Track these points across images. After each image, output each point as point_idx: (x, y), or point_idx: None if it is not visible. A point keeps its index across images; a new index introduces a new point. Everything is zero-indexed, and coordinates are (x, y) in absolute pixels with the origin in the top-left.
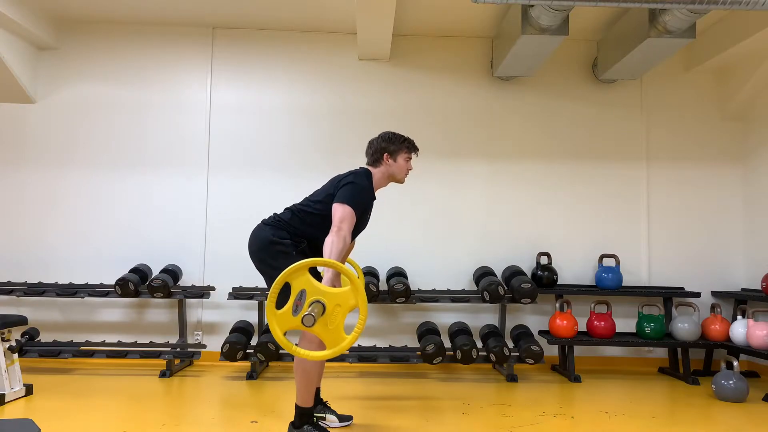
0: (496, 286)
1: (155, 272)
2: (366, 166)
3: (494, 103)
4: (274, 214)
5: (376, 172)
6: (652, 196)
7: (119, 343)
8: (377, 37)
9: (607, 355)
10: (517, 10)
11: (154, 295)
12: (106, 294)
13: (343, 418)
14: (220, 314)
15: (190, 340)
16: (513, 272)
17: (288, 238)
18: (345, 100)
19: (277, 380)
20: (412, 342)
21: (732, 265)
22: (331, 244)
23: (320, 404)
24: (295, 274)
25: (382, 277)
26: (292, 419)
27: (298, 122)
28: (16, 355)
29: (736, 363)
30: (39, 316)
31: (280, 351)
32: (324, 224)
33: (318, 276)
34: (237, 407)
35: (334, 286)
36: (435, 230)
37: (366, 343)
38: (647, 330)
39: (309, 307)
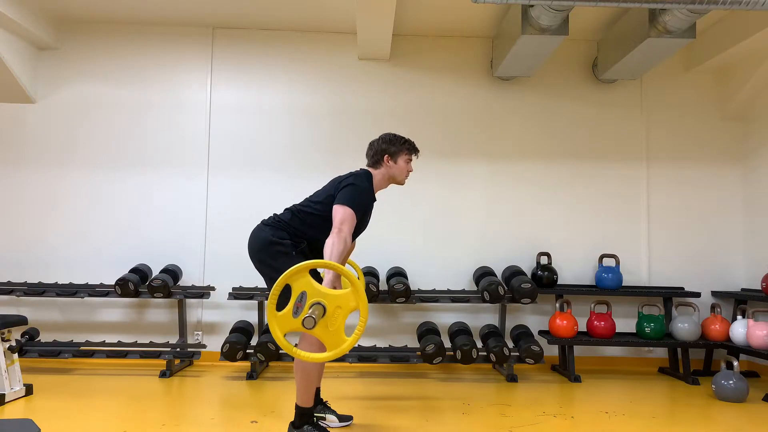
0: (496, 286)
1: (155, 272)
2: (366, 168)
3: (494, 103)
4: (274, 214)
5: (377, 174)
6: (652, 196)
7: (119, 343)
8: (377, 37)
9: (607, 355)
10: (517, 10)
11: (154, 295)
12: (106, 294)
13: (343, 418)
14: (220, 314)
15: (190, 340)
16: (513, 272)
17: (288, 239)
18: (345, 100)
19: (277, 380)
20: (412, 342)
21: (732, 265)
22: (331, 245)
23: (320, 404)
24: (296, 275)
25: (382, 277)
26: (292, 419)
27: (298, 122)
28: (16, 355)
29: (736, 363)
30: (39, 316)
31: (280, 351)
32: (324, 225)
33: (319, 277)
34: (237, 407)
35: (335, 288)
36: (435, 230)
37: (366, 343)
38: (647, 330)
39: (310, 309)
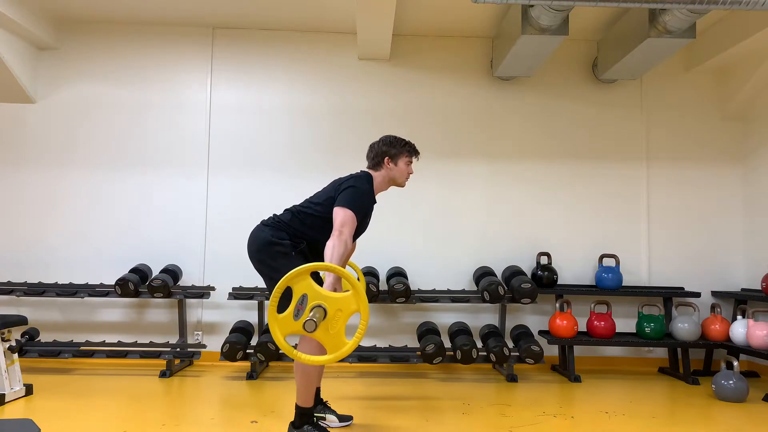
0: (496, 286)
1: (155, 272)
2: (367, 170)
3: (494, 103)
4: (274, 215)
5: (377, 176)
6: (652, 196)
7: (119, 343)
8: (377, 37)
9: (607, 355)
10: (517, 10)
11: (154, 295)
12: (106, 294)
13: (343, 418)
14: (220, 314)
15: (190, 340)
16: (513, 272)
17: (287, 239)
18: (345, 100)
19: (277, 380)
20: (412, 342)
21: (732, 265)
22: (332, 248)
23: (320, 404)
24: (297, 278)
25: (382, 277)
26: (292, 419)
27: (298, 122)
28: (16, 355)
29: (736, 363)
30: (39, 316)
31: (280, 351)
32: (324, 227)
33: (319, 280)
34: (237, 407)
35: (336, 290)
36: (435, 230)
37: (366, 343)
38: (647, 330)
39: (311, 312)
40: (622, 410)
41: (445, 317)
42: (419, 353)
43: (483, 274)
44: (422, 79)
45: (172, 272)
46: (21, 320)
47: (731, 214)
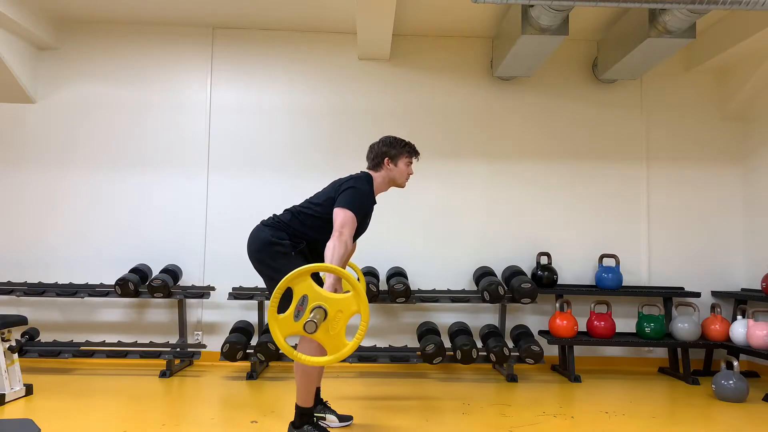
0: (496, 286)
1: (155, 272)
2: (367, 171)
3: (494, 103)
4: (273, 215)
5: (377, 177)
6: (652, 196)
7: (119, 343)
8: (377, 37)
9: (607, 355)
10: (517, 10)
11: (154, 295)
12: (106, 294)
13: (343, 418)
14: (220, 314)
15: (190, 340)
16: (513, 272)
17: (287, 239)
18: (345, 100)
19: (277, 380)
20: (412, 342)
21: (732, 265)
22: (332, 249)
23: (320, 404)
24: (297, 279)
25: (382, 277)
26: (292, 419)
27: (298, 122)
28: (16, 355)
29: (736, 363)
30: (39, 316)
31: (280, 351)
32: (324, 227)
33: (320, 280)
34: (237, 407)
35: (336, 291)
36: (435, 230)
37: (366, 343)
38: (647, 330)
39: (311, 313)
40: (622, 410)
41: (445, 317)
42: (419, 353)
43: (483, 274)
44: (422, 79)
45: (172, 272)
46: (21, 320)
47: (731, 214)
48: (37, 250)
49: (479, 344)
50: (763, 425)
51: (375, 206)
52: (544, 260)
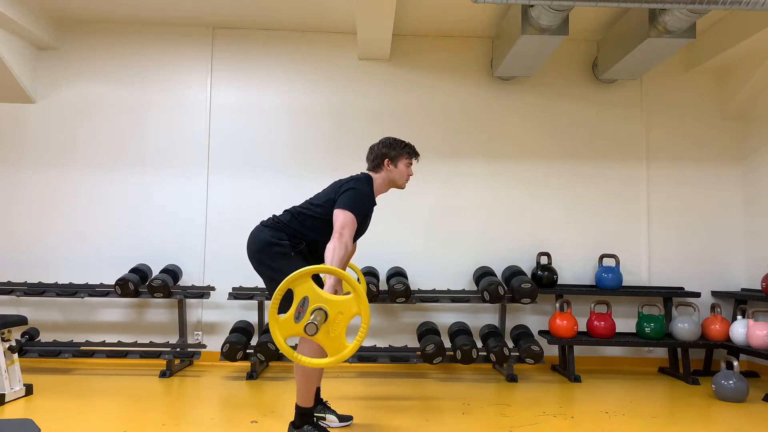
0: (496, 286)
1: (155, 272)
2: (367, 172)
3: (494, 103)
4: (273, 215)
5: (377, 178)
6: (652, 196)
7: (119, 343)
8: (377, 37)
9: (607, 355)
10: (517, 10)
11: (154, 295)
12: (106, 294)
13: (343, 418)
14: (220, 314)
15: (190, 340)
16: (513, 272)
17: (286, 240)
18: (345, 100)
19: (277, 380)
20: (412, 342)
21: (732, 265)
22: (333, 250)
23: (320, 404)
24: (298, 281)
25: (382, 277)
26: (292, 419)
27: (298, 122)
28: (16, 355)
29: (736, 363)
30: (39, 316)
31: (280, 351)
32: (324, 228)
33: (320, 281)
34: (237, 407)
35: (336, 293)
36: (435, 230)
37: (366, 343)
38: (647, 330)
39: (311, 314)
40: (622, 410)
41: (445, 317)
42: (419, 353)
43: (483, 274)
44: (422, 79)
45: (172, 272)
46: (21, 320)
47: (731, 214)
48: (37, 250)
49: (479, 344)
50: (763, 425)
51: (375, 207)
52: (544, 260)
